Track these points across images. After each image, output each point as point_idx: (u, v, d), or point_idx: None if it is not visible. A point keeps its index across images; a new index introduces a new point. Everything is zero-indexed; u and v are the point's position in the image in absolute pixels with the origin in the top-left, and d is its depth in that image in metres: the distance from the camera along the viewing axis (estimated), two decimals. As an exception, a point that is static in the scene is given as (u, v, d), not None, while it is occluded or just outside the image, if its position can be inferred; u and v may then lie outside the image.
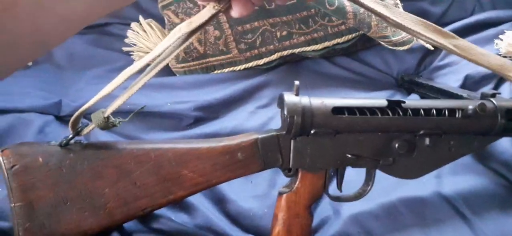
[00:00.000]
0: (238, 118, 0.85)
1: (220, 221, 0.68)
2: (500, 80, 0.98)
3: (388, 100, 0.63)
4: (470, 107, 0.63)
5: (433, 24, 0.54)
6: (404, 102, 0.63)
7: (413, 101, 0.64)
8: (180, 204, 0.69)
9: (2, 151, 0.58)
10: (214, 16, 0.53)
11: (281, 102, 0.62)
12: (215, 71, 0.96)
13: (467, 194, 0.70)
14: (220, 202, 0.72)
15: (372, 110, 0.62)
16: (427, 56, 1.08)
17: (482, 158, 0.78)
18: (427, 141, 0.64)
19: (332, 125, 0.61)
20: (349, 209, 0.69)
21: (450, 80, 1.00)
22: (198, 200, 0.69)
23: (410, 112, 0.63)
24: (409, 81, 1.02)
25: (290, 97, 0.61)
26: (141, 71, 0.58)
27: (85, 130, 0.60)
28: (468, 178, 0.73)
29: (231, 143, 0.63)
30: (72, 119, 0.59)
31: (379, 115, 0.62)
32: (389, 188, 0.71)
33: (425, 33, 0.53)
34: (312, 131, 0.61)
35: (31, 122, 0.78)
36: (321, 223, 0.71)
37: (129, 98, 0.76)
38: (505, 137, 0.71)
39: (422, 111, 0.63)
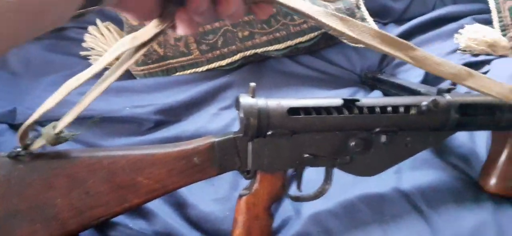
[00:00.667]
0: (200, 120, 0.84)
1: (180, 226, 0.68)
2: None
3: (343, 99, 0.63)
4: (424, 103, 0.64)
5: (390, 35, 0.54)
6: (359, 100, 0.64)
7: (368, 99, 0.65)
8: (138, 211, 0.68)
9: None
10: (158, 35, 0.51)
11: (237, 104, 0.62)
12: (177, 73, 0.95)
13: (425, 189, 0.71)
14: (180, 207, 0.71)
15: (328, 110, 0.62)
16: (390, 52, 1.09)
17: (441, 153, 0.80)
18: (383, 138, 0.64)
19: (289, 126, 0.61)
20: (309, 208, 0.69)
21: (412, 75, 1.01)
22: (157, 205, 0.68)
23: (365, 110, 0.63)
24: (372, 78, 1.03)
25: (246, 99, 0.61)
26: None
27: (35, 145, 0.58)
28: (427, 173, 0.74)
29: (187, 147, 0.62)
30: (20, 131, 0.57)
31: (335, 114, 0.62)
32: (348, 186, 0.71)
33: (381, 46, 0.54)
34: (269, 133, 0.61)
35: (-17, 131, 0.76)
36: (282, 223, 0.70)
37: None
38: (461, 131, 0.72)
39: (377, 109, 0.64)
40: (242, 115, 0.60)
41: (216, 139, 0.62)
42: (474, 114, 0.67)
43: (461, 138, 0.81)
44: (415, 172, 0.74)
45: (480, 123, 0.68)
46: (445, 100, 0.66)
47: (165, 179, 0.61)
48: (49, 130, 0.56)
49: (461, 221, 0.65)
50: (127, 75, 0.95)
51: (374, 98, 0.66)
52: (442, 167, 0.76)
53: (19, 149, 0.57)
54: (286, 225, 0.70)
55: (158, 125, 0.84)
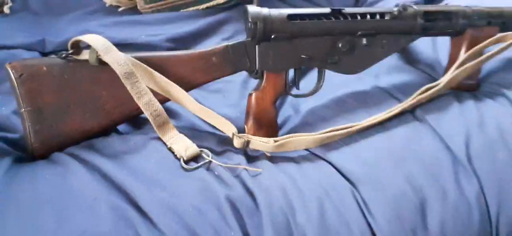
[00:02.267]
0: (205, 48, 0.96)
1: (201, 123, 0.80)
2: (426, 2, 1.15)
3: (331, 8, 0.77)
4: (395, 8, 0.79)
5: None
6: (344, 9, 0.78)
7: (351, 8, 0.79)
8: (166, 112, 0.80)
9: (10, 63, 0.66)
10: None
11: (245, 13, 0.74)
12: (181, 10, 1.06)
13: (399, 85, 0.86)
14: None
15: (319, 16, 0.76)
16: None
17: (411, 62, 0.95)
18: (364, 40, 0.78)
19: (288, 30, 0.74)
20: (306, 106, 0.83)
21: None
22: (181, 108, 0.79)
23: (348, 16, 0.77)
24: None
25: (253, 8, 0.73)
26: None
27: (80, 56, 0.68)
28: (400, 75, 0.89)
29: (206, 50, 0.74)
30: (72, 40, 0.67)
31: (325, 20, 0.76)
32: (336, 87, 0.85)
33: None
34: (272, 36, 0.74)
35: (19, 57, 0.84)
36: (284, 120, 0.83)
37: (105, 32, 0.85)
38: (426, 37, 0.87)
39: (358, 16, 0.78)
40: (250, 20, 0.72)
41: (230, 43, 0.75)
42: (435, 20, 0.82)
43: (426, 50, 0.96)
44: (390, 76, 0.89)
45: (440, 27, 0.83)
46: (412, 8, 0.81)
47: (189, 75, 0.72)
48: (93, 53, 0.67)
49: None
50: (136, 12, 1.06)
51: (356, 8, 0.80)
52: (412, 71, 0.91)
53: (67, 52, 0.69)
54: (288, 121, 0.83)
55: (170, 51, 0.96)
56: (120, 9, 1.06)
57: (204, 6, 1.07)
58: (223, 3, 1.08)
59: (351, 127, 0.71)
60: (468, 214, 0.65)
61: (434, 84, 0.78)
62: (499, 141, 0.71)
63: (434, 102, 0.78)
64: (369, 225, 0.62)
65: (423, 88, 0.77)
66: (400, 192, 0.64)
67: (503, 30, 0.86)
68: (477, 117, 0.75)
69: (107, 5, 1.05)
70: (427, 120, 0.74)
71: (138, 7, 1.05)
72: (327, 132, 0.70)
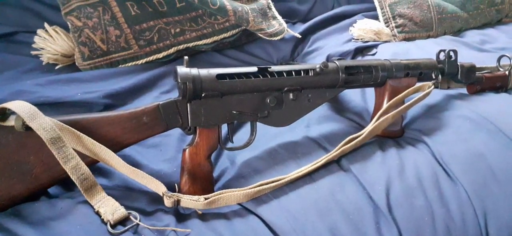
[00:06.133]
0: (144, 103, 0.96)
1: (135, 181, 0.79)
2: (353, 57, 1.22)
3: (258, 67, 0.80)
4: (318, 66, 0.83)
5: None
6: (270, 67, 0.81)
7: (277, 66, 0.82)
8: (98, 170, 0.79)
9: None
10: None
11: (175, 74, 0.75)
12: (119, 66, 1.06)
13: (328, 134, 0.88)
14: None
15: (247, 75, 0.78)
16: (299, 44, 1.29)
17: (340, 111, 0.99)
18: (291, 95, 0.81)
19: (218, 88, 0.76)
20: (241, 158, 0.84)
21: (317, 61, 1.21)
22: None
23: (275, 74, 0.80)
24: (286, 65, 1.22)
25: (182, 69, 0.75)
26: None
27: (6, 122, 0.66)
28: (329, 124, 0.92)
29: (136, 109, 0.73)
30: None
31: (253, 78, 0.79)
32: (270, 138, 0.87)
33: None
34: (202, 95, 0.75)
35: None
36: (221, 173, 0.83)
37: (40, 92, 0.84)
38: (351, 89, 0.92)
39: (284, 73, 0.81)
40: (179, 81, 0.74)
41: (161, 102, 0.75)
42: (356, 73, 0.87)
43: (355, 99, 1.00)
44: (320, 125, 0.92)
45: (362, 80, 0.88)
46: (334, 63, 0.86)
47: (120, 136, 0.72)
48: (19, 120, 0.65)
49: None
50: (74, 69, 1.04)
51: (281, 66, 0.83)
52: (341, 120, 0.94)
53: (-6, 118, 0.67)
54: (225, 173, 0.83)
55: (107, 108, 0.94)
56: (57, 67, 1.04)
57: (143, 61, 1.07)
58: (162, 58, 1.09)
59: (279, 180, 0.73)
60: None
61: (357, 134, 0.81)
62: (418, 188, 0.74)
63: (359, 150, 0.81)
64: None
65: (347, 138, 0.80)
66: (324, 244, 0.65)
67: (420, 80, 0.92)
68: (398, 164, 0.78)
69: (43, 63, 1.03)
70: (351, 170, 0.77)
71: (77, 64, 1.04)
72: (257, 186, 0.71)
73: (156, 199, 0.72)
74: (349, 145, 0.79)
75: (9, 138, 0.66)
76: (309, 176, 0.75)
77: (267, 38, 1.19)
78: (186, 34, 1.11)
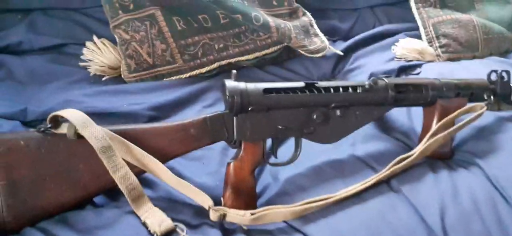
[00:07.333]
0: (187, 116, 0.96)
1: (178, 193, 0.78)
2: (397, 76, 1.19)
3: (305, 82, 0.78)
4: (367, 82, 0.80)
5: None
6: (317, 82, 0.79)
7: (324, 81, 0.80)
8: (143, 182, 0.78)
9: (-14, 137, 0.64)
10: None
11: (223, 87, 0.75)
12: (164, 79, 1.07)
13: (375, 154, 0.85)
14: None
15: (294, 90, 0.77)
16: (340, 61, 1.27)
17: (386, 130, 0.95)
18: (338, 112, 0.79)
19: (264, 103, 0.74)
20: (284, 174, 0.81)
21: (359, 79, 1.19)
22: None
23: (322, 90, 0.78)
24: (327, 82, 1.20)
25: (230, 82, 0.74)
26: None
27: (59, 130, 0.67)
28: (375, 144, 0.89)
29: (184, 122, 0.73)
30: (51, 114, 0.67)
31: (299, 93, 0.77)
32: (315, 155, 0.84)
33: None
34: (249, 109, 0.74)
35: (0, 126, 0.84)
36: (263, 189, 0.81)
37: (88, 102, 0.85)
38: (399, 108, 0.88)
39: (332, 89, 0.79)
40: (227, 94, 0.73)
41: (208, 115, 0.74)
42: (406, 92, 0.84)
43: (401, 118, 0.97)
44: (366, 144, 0.89)
45: (412, 99, 0.85)
46: (384, 81, 0.83)
47: (167, 147, 0.71)
48: (71, 128, 0.66)
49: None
50: (120, 82, 1.06)
51: (329, 81, 0.81)
52: (387, 140, 0.91)
53: (46, 126, 0.68)
54: (267, 189, 0.81)
55: (151, 119, 0.95)
56: (104, 79, 1.06)
57: (186, 75, 1.08)
58: (204, 73, 1.09)
59: (328, 198, 0.70)
60: None
61: (408, 154, 0.78)
62: (474, 213, 0.70)
63: (408, 171, 0.78)
64: None
65: (398, 158, 0.77)
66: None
67: (471, 101, 0.88)
68: (451, 187, 0.74)
69: (91, 75, 1.05)
70: (402, 191, 0.73)
71: (122, 76, 1.05)
72: (304, 204, 0.69)
73: (200, 212, 0.71)
74: (399, 165, 0.76)
75: (60, 145, 0.67)
76: (358, 196, 0.72)
77: (309, 55, 1.17)
78: (229, 50, 1.11)
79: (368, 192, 0.73)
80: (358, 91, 0.80)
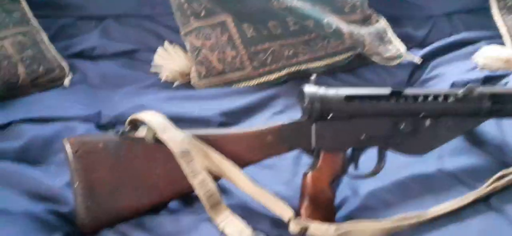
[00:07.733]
0: (257, 123, 0.93)
1: (252, 201, 0.74)
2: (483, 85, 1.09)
3: (391, 89, 0.72)
4: (460, 91, 0.72)
5: None
6: (404, 90, 0.72)
7: (412, 89, 0.73)
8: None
9: (68, 139, 0.64)
10: None
11: (301, 93, 0.70)
12: (233, 86, 1.06)
13: (467, 168, 0.77)
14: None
15: (378, 97, 0.71)
16: (416, 70, 1.19)
17: (474, 143, 0.87)
18: (428, 122, 0.72)
19: (346, 110, 0.69)
20: (365, 187, 0.75)
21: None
22: (232, 185, 0.74)
23: (410, 98, 0.71)
24: (402, 93, 1.12)
25: (309, 88, 0.70)
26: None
27: (137, 133, 0.66)
28: (466, 158, 0.80)
29: (261, 128, 0.70)
30: (130, 117, 0.66)
31: (384, 101, 0.71)
32: (397, 169, 0.77)
33: None
34: (329, 116, 0.69)
35: (75, 129, 0.84)
36: (342, 202, 0.76)
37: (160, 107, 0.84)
38: (493, 119, 0.80)
39: (421, 98, 0.72)
40: (307, 100, 0.69)
41: (285, 122, 0.70)
42: (503, 103, 0.75)
43: (493, 132, 0.87)
44: (455, 158, 0.80)
45: (509, 111, 0.76)
46: (478, 90, 0.75)
47: (244, 153, 0.68)
48: (150, 131, 0.65)
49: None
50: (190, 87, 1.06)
51: (417, 88, 0.74)
52: (479, 154, 0.82)
53: (124, 129, 0.67)
54: (346, 203, 0.75)
55: (222, 125, 0.93)
56: (174, 85, 1.06)
57: (255, 81, 1.06)
58: (273, 80, 1.07)
59: (422, 215, 0.63)
60: None
61: (509, 170, 0.69)
62: None
63: (510, 189, 0.69)
64: None
65: (498, 174, 0.69)
66: None
67: None
68: None
69: (162, 80, 1.06)
70: (505, 211, 0.65)
71: (192, 83, 1.06)
72: (396, 221, 0.63)
73: (277, 223, 0.67)
74: (501, 182, 0.68)
75: (139, 149, 0.66)
76: (455, 215, 0.65)
77: (383, 63, 1.11)
78: (299, 57, 1.08)
79: (466, 211, 0.65)
80: (449, 100, 0.73)
